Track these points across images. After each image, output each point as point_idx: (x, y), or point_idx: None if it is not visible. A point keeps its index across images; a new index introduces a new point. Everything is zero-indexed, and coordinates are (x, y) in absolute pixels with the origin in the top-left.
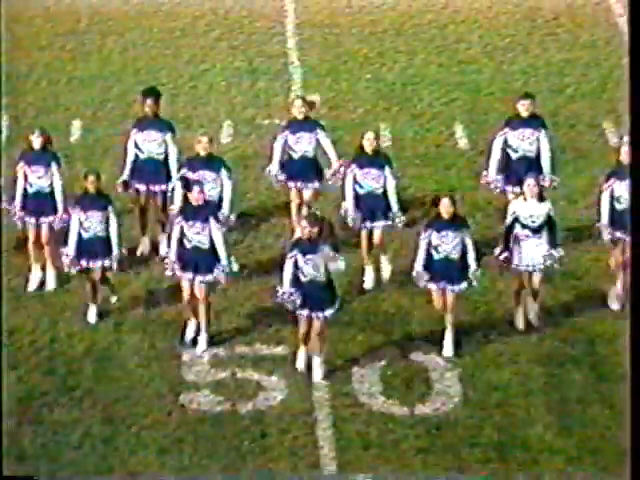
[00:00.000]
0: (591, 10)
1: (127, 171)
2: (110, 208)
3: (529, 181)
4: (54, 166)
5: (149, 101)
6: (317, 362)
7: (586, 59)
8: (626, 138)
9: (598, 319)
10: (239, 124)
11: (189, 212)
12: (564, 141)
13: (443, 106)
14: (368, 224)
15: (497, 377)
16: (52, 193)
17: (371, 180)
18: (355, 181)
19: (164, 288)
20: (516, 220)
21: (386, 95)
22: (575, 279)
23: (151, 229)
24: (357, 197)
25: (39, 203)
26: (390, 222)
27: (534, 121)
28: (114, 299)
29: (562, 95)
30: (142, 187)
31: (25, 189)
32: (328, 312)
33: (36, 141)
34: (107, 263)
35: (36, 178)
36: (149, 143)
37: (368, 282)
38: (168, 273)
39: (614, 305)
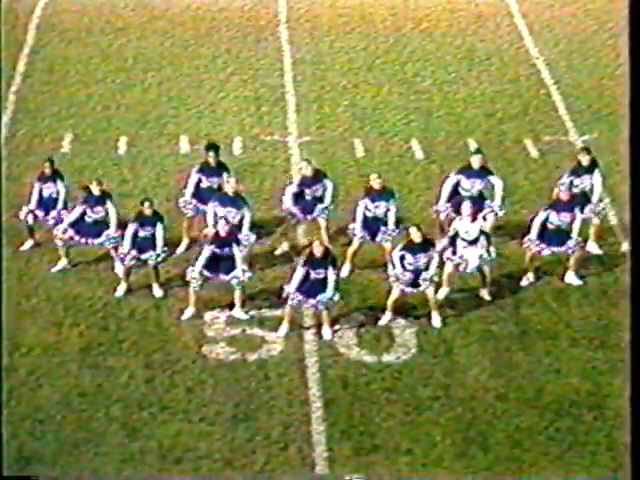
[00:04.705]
0: (514, 53)
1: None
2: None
3: (466, 203)
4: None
5: (211, 153)
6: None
7: (511, 90)
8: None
9: (522, 288)
10: (247, 140)
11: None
12: (495, 154)
13: (403, 126)
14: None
15: (444, 333)
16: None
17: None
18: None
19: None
20: (456, 235)
21: (360, 117)
22: (504, 258)
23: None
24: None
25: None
26: None
27: (483, 172)
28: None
29: (493, 118)
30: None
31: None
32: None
33: (95, 189)
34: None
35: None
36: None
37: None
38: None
39: (524, 282)
